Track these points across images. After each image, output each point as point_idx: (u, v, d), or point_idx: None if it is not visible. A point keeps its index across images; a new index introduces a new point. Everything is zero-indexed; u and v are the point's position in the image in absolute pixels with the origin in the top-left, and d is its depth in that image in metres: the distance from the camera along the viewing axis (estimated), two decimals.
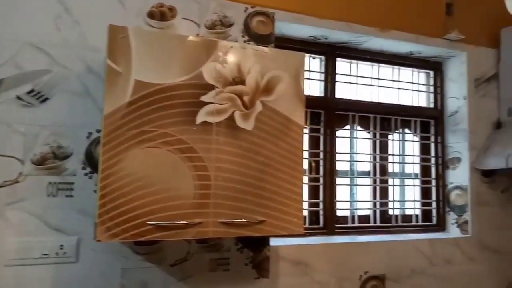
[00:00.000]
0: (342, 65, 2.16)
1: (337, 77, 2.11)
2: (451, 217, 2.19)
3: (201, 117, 1.29)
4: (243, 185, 1.33)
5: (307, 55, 2.06)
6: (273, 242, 1.69)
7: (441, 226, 2.21)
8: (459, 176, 2.16)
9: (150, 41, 1.27)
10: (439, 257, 1.98)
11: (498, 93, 2.18)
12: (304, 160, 1.93)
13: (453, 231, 2.16)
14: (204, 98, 1.30)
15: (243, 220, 1.32)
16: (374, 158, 2.17)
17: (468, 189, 2.10)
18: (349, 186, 2.11)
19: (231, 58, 1.35)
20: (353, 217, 2.07)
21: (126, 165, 1.20)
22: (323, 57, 2.10)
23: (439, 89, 2.30)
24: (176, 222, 1.24)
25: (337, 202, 2.03)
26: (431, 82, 2.32)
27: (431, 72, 2.32)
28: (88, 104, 1.44)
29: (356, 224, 2.06)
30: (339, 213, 2.05)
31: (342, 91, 2.13)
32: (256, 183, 1.35)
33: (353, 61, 2.17)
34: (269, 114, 1.39)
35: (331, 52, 2.08)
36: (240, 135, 1.34)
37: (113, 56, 1.22)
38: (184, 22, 1.60)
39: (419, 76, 2.34)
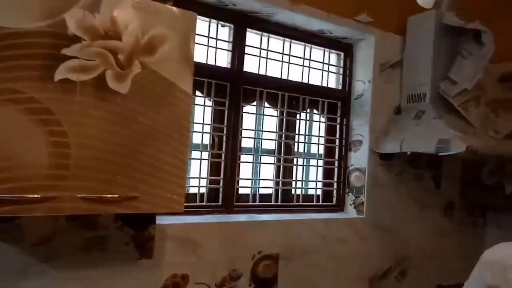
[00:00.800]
0: (252, 37, 2.05)
1: (247, 50, 2.00)
2: (350, 198, 2.24)
3: (60, 74, 1.09)
4: (115, 156, 1.17)
5: (214, 21, 1.92)
6: (161, 220, 1.56)
7: (340, 206, 2.26)
8: (359, 158, 2.21)
9: None
10: (333, 237, 2.01)
11: (401, 79, 2.24)
12: (200, 133, 1.84)
13: (350, 212, 2.22)
14: (66, 52, 1.10)
15: (112, 195, 1.16)
16: (280, 137, 2.12)
17: (366, 172, 2.16)
18: (252, 164, 2.04)
19: (105, 7, 1.15)
20: (254, 195, 2.02)
21: None
22: (232, 26, 1.97)
23: (348, 71, 2.30)
24: (25, 195, 1.05)
25: (239, 180, 1.95)
26: (341, 63, 2.32)
27: (342, 54, 2.32)
28: None
29: (257, 203, 2.01)
30: (240, 191, 1.98)
31: (251, 65, 2.03)
32: (131, 154, 1.20)
33: (264, 34, 2.08)
34: (150, 77, 1.23)
35: (240, 21, 1.96)
36: (111, 98, 1.16)
37: None
38: None
39: (331, 57, 2.32)
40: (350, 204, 2.23)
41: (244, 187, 1.99)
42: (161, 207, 1.24)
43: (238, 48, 1.96)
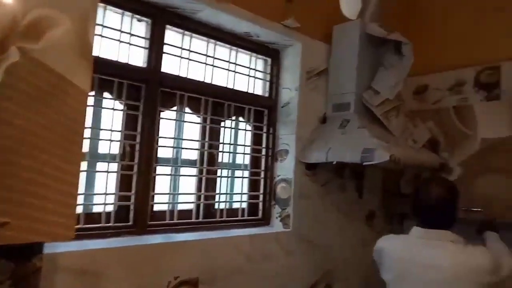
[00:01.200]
0: (173, 35, 1.85)
1: (166, 49, 1.79)
2: (276, 210, 2.13)
3: None
4: None
5: (128, 13, 1.68)
6: (51, 247, 1.26)
7: (266, 220, 2.14)
8: (286, 168, 2.11)
9: None
10: (258, 253, 1.87)
11: (327, 88, 2.21)
12: (108, 141, 1.58)
13: (277, 225, 2.10)
14: None
15: None
16: (203, 146, 1.93)
17: (292, 182, 2.07)
18: (170, 177, 1.82)
19: None
20: (172, 212, 1.79)
21: None
22: (149, 21, 1.75)
23: (275, 78, 2.21)
24: None
25: (154, 196, 1.72)
26: (268, 70, 2.22)
27: (269, 60, 2.22)
28: None
29: (175, 221, 1.79)
30: (156, 208, 1.74)
31: (171, 66, 1.82)
32: (2, 167, 0.91)
33: (186, 32, 1.89)
34: (31, 68, 0.96)
35: (159, 16, 1.75)
36: None
37: None
38: None
39: (258, 63, 2.21)
40: (276, 217, 2.12)
41: (160, 203, 1.75)
42: (42, 234, 0.97)
43: (155, 46, 1.74)
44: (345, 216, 2.34)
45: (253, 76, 2.16)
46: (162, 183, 1.78)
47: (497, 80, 2.18)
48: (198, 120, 1.94)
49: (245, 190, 2.12)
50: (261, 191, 2.15)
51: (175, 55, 1.83)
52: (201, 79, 1.91)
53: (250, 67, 2.14)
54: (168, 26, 1.80)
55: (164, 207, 1.77)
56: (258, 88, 2.20)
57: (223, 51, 2.05)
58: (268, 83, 2.21)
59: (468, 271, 1.28)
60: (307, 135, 2.13)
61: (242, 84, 2.11)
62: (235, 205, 2.07)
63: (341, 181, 2.33)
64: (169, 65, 1.81)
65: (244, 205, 2.11)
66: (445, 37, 2.53)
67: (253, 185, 2.16)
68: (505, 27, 2.27)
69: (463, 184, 2.07)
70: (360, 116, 2.05)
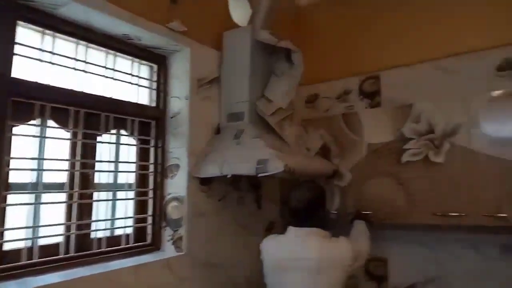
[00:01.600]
0: (30, 34, 1.53)
1: (18, 49, 1.46)
2: (167, 233, 1.91)
3: None
4: None
5: None
6: None
7: (156, 245, 1.90)
8: (177, 185, 1.92)
9: None
10: (145, 286, 1.63)
11: (220, 97, 2.09)
12: None
13: (168, 250, 1.89)
14: None
15: None
16: (74, 166, 1.63)
17: (185, 200, 1.88)
18: (27, 206, 1.48)
19: None
20: (31, 250, 1.45)
21: None
22: None
23: (163, 86, 2.01)
24: None
25: (3, 232, 1.37)
26: (155, 77, 2.00)
27: (155, 66, 2.01)
28: None
29: (36, 260, 1.45)
30: (6, 247, 1.39)
31: (29, 72, 1.49)
32: None
33: (47, 31, 1.58)
34: None
35: (7, 9, 1.42)
36: None
37: None
38: None
39: (143, 69, 1.98)
40: (168, 240, 1.90)
41: (14, 240, 1.41)
42: None
43: (2, 46, 1.40)
44: (244, 230, 2.23)
45: (136, 84, 1.92)
46: (16, 214, 1.43)
47: (378, 88, 2.32)
48: (67, 135, 1.63)
49: (130, 213, 1.86)
50: (150, 212, 1.92)
51: (33, 58, 1.51)
52: (70, 87, 1.62)
53: (133, 73, 1.90)
54: (20, 23, 1.48)
55: (21, 244, 1.43)
56: (144, 97, 1.97)
57: (98, 55, 1.78)
58: (155, 92, 1.99)
59: (332, 260, 1.54)
60: (200, 148, 1.96)
61: (124, 92, 1.86)
62: (119, 232, 1.80)
63: (239, 193, 2.22)
64: (25, 70, 1.48)
65: (130, 230, 1.85)
66: (331, 48, 2.63)
67: (140, 206, 1.91)
68: (383, 38, 2.43)
69: (354, 188, 2.14)
70: (255, 126, 1.96)
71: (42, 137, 1.54)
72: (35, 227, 1.48)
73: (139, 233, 1.89)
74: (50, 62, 1.57)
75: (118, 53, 1.84)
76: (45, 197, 1.53)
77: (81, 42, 1.69)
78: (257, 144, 1.84)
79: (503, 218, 1.74)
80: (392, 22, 2.41)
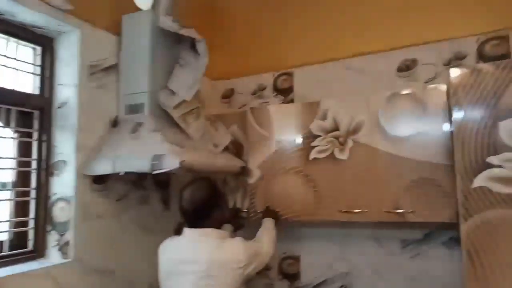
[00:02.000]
0: None
1: None
2: (53, 238, 1.70)
3: None
4: None
5: None
6: None
7: (39, 252, 1.68)
8: (64, 184, 1.70)
9: None
10: None
11: (117, 87, 1.90)
12: None
13: (54, 257, 1.67)
14: None
15: None
16: None
17: (73, 201, 1.68)
18: None
19: None
20: None
21: None
22: None
23: (48, 72, 1.77)
24: None
25: None
26: (38, 61, 1.77)
27: (39, 48, 1.77)
28: None
29: None
30: None
31: None
32: None
33: None
34: None
35: None
36: None
37: None
38: None
39: (24, 51, 1.73)
40: (53, 246, 1.69)
41: None
42: None
43: None
44: (149, 232, 2.07)
45: (14, 68, 1.67)
46: None
47: (291, 85, 2.28)
48: None
49: (7, 216, 1.62)
50: (32, 215, 1.69)
51: None
52: None
53: (8, 55, 1.65)
54: None
55: None
56: (26, 83, 1.73)
57: None
58: (38, 78, 1.76)
59: (221, 263, 1.42)
60: (92, 142, 1.77)
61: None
62: None
63: (142, 192, 2.05)
64: None
65: (6, 236, 1.60)
66: (248, 42, 2.56)
67: (21, 208, 1.67)
68: (298, 35, 2.40)
69: (263, 185, 2.08)
70: (155, 119, 1.81)
71: None
72: None
73: (19, 238, 1.65)
74: None
75: None
76: None
77: None
78: (154, 139, 1.69)
79: (401, 214, 1.77)
80: (307, 20, 2.39)
